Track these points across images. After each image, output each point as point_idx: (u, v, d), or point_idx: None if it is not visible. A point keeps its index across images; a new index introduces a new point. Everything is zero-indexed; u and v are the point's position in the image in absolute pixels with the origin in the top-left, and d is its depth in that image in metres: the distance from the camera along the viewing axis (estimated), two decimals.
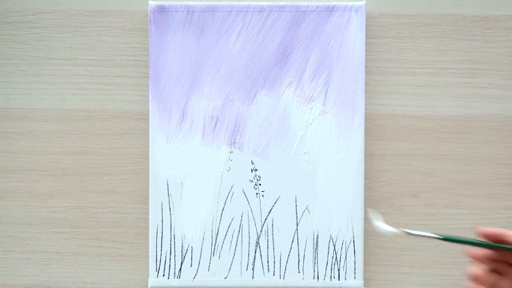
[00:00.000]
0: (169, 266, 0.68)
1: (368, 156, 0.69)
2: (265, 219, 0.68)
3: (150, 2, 0.67)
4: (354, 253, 0.67)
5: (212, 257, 0.68)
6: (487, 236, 0.49)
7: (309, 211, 0.67)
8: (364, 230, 0.68)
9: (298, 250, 0.68)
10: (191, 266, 0.68)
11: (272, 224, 0.68)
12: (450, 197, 0.69)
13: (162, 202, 0.68)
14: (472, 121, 0.69)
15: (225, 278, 0.68)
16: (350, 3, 0.67)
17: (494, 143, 0.69)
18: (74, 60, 0.69)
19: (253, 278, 0.68)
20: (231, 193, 0.68)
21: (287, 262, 0.68)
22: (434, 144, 0.69)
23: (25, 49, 0.69)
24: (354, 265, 0.67)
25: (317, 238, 0.67)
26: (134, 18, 0.69)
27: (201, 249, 0.68)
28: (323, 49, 0.67)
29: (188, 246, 0.68)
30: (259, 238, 0.68)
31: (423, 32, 0.69)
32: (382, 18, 0.69)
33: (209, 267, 0.68)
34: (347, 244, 0.67)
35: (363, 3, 0.67)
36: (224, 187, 0.68)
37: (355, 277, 0.67)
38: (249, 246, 0.68)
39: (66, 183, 0.70)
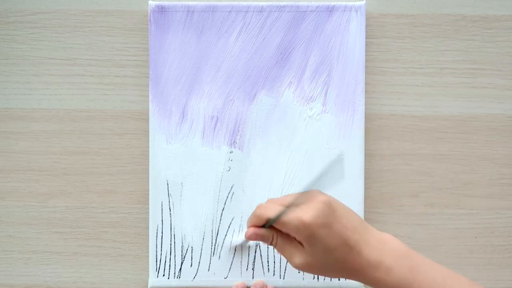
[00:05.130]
0: (169, 266, 0.68)
1: (368, 156, 0.69)
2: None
3: (150, 2, 0.67)
4: None
5: (212, 257, 0.68)
6: (254, 234, 0.52)
7: None
8: None
9: None
10: (191, 266, 0.68)
11: None
12: (450, 197, 0.69)
13: (162, 202, 0.68)
14: (472, 121, 0.69)
15: (225, 278, 0.68)
16: (350, 3, 0.67)
17: (494, 143, 0.69)
18: (74, 60, 0.69)
19: (253, 278, 0.68)
20: (231, 193, 0.68)
21: (287, 262, 0.68)
22: (434, 144, 0.69)
23: (25, 49, 0.69)
24: None
25: None
26: (134, 18, 0.69)
27: (201, 249, 0.68)
28: (323, 49, 0.67)
29: (188, 246, 0.68)
30: None
31: (423, 32, 0.69)
32: (382, 18, 0.69)
33: (209, 267, 0.68)
34: None
35: (363, 3, 0.67)
36: (224, 187, 0.68)
37: None
38: (249, 246, 0.68)
39: (66, 183, 0.70)
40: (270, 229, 0.52)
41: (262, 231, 0.52)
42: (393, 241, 0.50)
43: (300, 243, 0.50)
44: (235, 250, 0.67)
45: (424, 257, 0.50)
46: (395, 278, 0.49)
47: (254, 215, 0.52)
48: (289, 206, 0.49)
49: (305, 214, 0.48)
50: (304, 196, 0.50)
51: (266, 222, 0.51)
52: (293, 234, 0.49)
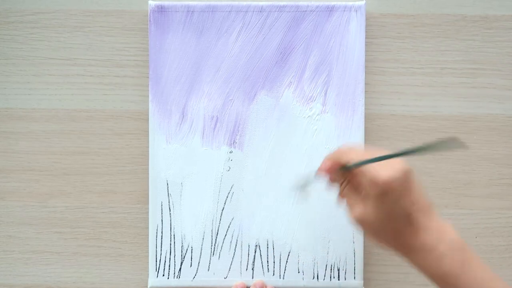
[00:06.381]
0: (169, 266, 0.68)
1: None
2: (265, 219, 0.68)
3: (150, 2, 0.67)
4: (354, 253, 0.67)
5: (212, 257, 0.68)
6: (330, 170, 0.52)
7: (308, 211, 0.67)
8: None
9: (298, 250, 0.68)
10: (191, 266, 0.68)
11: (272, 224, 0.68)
12: (450, 197, 0.69)
13: (162, 202, 0.68)
14: (472, 121, 0.69)
15: (225, 278, 0.68)
16: (350, 3, 0.67)
17: (494, 143, 0.69)
18: (74, 60, 0.70)
19: (253, 278, 0.68)
20: (231, 193, 0.68)
21: (287, 262, 0.68)
22: None
23: (25, 49, 0.70)
24: (354, 265, 0.67)
25: (317, 238, 0.67)
26: (134, 18, 0.69)
27: (201, 249, 0.68)
28: (323, 49, 0.67)
29: (188, 246, 0.68)
30: (259, 238, 0.68)
31: (423, 32, 0.69)
32: (382, 18, 0.69)
33: (209, 267, 0.68)
34: (347, 243, 0.67)
35: (363, 3, 0.67)
36: (224, 187, 0.68)
37: (355, 277, 0.67)
38: (249, 246, 0.68)
39: (66, 183, 0.70)
40: (344, 173, 0.51)
41: (336, 172, 0.52)
42: (452, 232, 0.50)
43: (366, 198, 0.50)
44: (297, 191, 0.66)
45: (477, 255, 0.50)
46: (445, 267, 0.49)
47: (336, 154, 0.52)
48: (372, 159, 0.49)
49: (384, 172, 0.47)
50: (387, 158, 0.49)
51: (345, 165, 0.51)
52: (363, 186, 0.49)
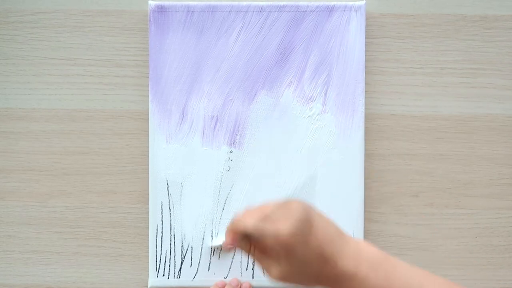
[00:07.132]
0: (169, 266, 0.68)
1: (368, 156, 0.69)
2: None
3: (150, 2, 0.67)
4: None
5: (212, 257, 0.68)
6: (234, 241, 0.51)
7: None
8: (364, 230, 0.68)
9: None
10: (191, 266, 0.68)
11: None
12: (450, 197, 0.69)
13: (162, 202, 0.68)
14: (472, 121, 0.69)
15: (225, 278, 0.68)
16: (350, 3, 0.67)
17: (494, 143, 0.69)
18: (74, 60, 0.69)
19: (253, 278, 0.68)
20: (231, 193, 0.68)
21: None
22: (434, 144, 0.69)
23: (25, 49, 0.70)
24: None
25: None
26: (134, 18, 0.69)
27: (201, 249, 0.68)
28: (323, 49, 0.67)
29: (188, 246, 0.68)
30: None
31: (423, 32, 0.69)
32: (382, 18, 0.69)
33: (209, 267, 0.68)
34: None
35: (363, 3, 0.67)
36: (224, 187, 0.68)
37: None
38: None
39: (66, 183, 0.70)
40: (247, 240, 0.51)
41: (239, 242, 0.51)
42: (369, 249, 0.50)
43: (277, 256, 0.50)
44: (215, 251, 0.67)
45: (402, 262, 0.50)
46: (372, 286, 0.49)
47: (231, 228, 0.51)
48: (264, 222, 0.49)
49: (281, 232, 0.47)
50: (282, 208, 0.49)
51: (243, 235, 0.51)
52: (270, 245, 0.49)
